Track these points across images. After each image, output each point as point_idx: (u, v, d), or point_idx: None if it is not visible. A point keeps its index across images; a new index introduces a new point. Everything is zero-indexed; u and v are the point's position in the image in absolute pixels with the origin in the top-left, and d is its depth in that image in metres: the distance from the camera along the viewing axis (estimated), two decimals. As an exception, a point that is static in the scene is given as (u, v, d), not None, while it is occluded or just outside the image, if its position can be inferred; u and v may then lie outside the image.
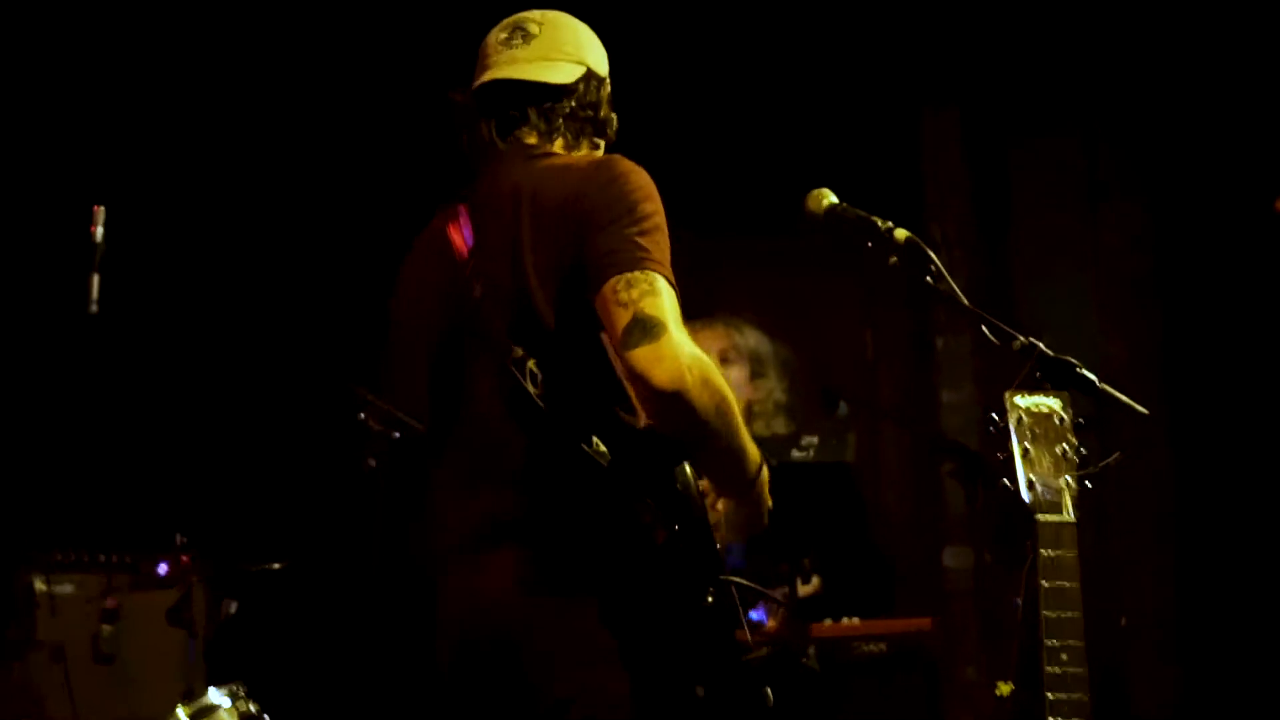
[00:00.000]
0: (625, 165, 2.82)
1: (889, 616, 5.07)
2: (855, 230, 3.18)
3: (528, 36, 3.08)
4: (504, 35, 3.10)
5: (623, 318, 2.58)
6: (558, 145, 3.04)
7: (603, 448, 2.62)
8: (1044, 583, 2.47)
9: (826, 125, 6.13)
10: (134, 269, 4.20)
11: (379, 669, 5.67)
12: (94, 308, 4.00)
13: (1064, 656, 2.42)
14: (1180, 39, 6.02)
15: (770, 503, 2.85)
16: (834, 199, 3.27)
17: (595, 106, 3.09)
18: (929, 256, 3.03)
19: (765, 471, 2.83)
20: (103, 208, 4.10)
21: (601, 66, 3.15)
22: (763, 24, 6.26)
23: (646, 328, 2.56)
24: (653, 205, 2.75)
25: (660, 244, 2.70)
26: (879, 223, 3.13)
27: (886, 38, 6.34)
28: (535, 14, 3.14)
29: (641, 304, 2.58)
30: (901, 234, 3.09)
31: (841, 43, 6.32)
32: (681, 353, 2.56)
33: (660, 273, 2.64)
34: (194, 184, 6.12)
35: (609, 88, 3.14)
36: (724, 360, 5.33)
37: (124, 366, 5.86)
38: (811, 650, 4.65)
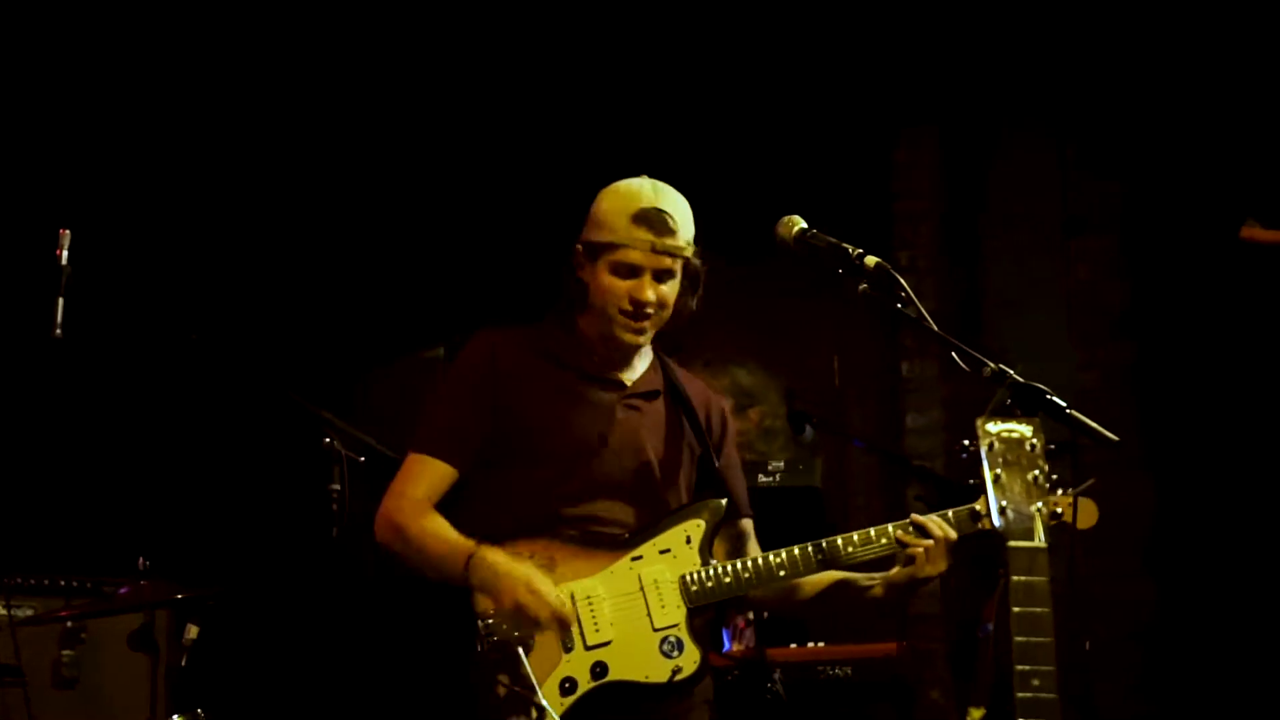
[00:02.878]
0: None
1: (855, 641, 5.06)
2: (826, 256, 3.20)
3: None
4: None
5: None
6: None
7: None
8: (1015, 608, 2.47)
9: (799, 154, 6.15)
10: (99, 293, 4.17)
11: (342, 692, 5.64)
12: (58, 331, 3.98)
13: (1035, 681, 2.42)
14: (1153, 75, 6.08)
15: (516, 589, 3.16)
16: (804, 225, 3.29)
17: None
18: (898, 282, 3.05)
19: (488, 561, 3.19)
20: (69, 231, 4.08)
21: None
22: (733, 58, 6.29)
23: None
24: (448, 380, 3.48)
25: (424, 419, 3.43)
26: (849, 249, 3.15)
27: (862, 69, 6.38)
28: None
29: None
30: (871, 260, 3.11)
31: (815, 73, 6.35)
32: (381, 510, 3.36)
33: (411, 449, 3.41)
34: (159, 208, 6.09)
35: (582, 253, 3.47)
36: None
37: (88, 390, 5.82)
38: (778, 675, 4.64)
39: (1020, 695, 2.42)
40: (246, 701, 5.05)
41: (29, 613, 4.96)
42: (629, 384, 3.46)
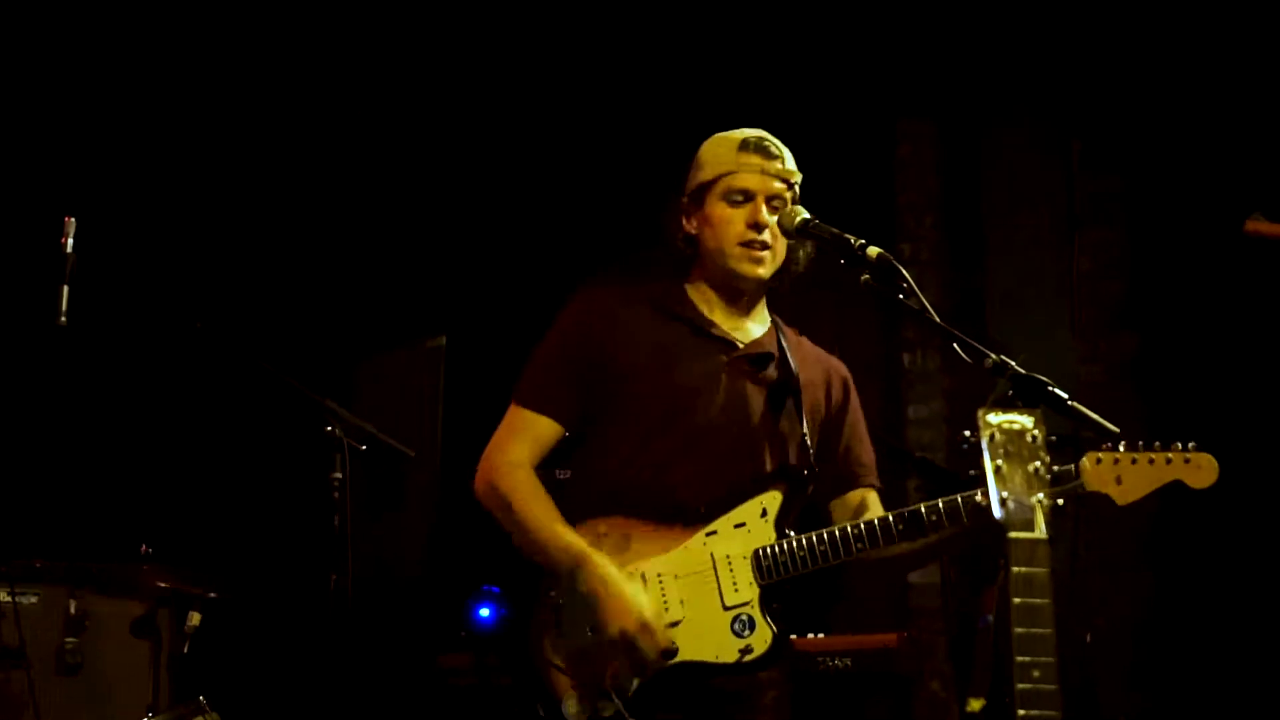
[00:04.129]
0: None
1: (855, 632, 5.07)
2: (828, 247, 3.21)
3: None
4: None
5: None
6: None
7: None
8: (1016, 599, 2.47)
9: (801, 145, 6.14)
10: (104, 280, 4.18)
11: (344, 681, 5.65)
12: (63, 319, 3.99)
13: (1035, 673, 2.42)
14: (1155, 68, 6.07)
15: (627, 620, 3.11)
16: (807, 215, 3.30)
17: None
18: (901, 273, 3.05)
19: (599, 574, 3.14)
20: (73, 219, 4.08)
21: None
22: (736, 49, 6.29)
23: None
24: (549, 335, 3.39)
25: (527, 372, 3.36)
26: (851, 240, 3.15)
27: (863, 61, 6.37)
28: None
29: None
30: (874, 251, 3.11)
31: (817, 64, 6.34)
32: (482, 465, 3.32)
33: (513, 401, 3.36)
34: (163, 196, 6.10)
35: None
36: None
37: (92, 377, 5.83)
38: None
39: (1020, 686, 2.42)
40: (249, 689, 5.06)
41: (33, 599, 4.97)
42: (742, 345, 3.42)
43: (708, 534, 3.23)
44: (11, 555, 4.92)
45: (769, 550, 3.21)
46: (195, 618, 4.61)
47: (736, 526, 3.23)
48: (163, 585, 4.66)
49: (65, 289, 3.98)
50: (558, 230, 6.30)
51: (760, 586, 3.20)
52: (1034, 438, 2.58)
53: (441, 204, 6.58)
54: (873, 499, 3.48)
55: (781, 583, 3.22)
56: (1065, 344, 6.27)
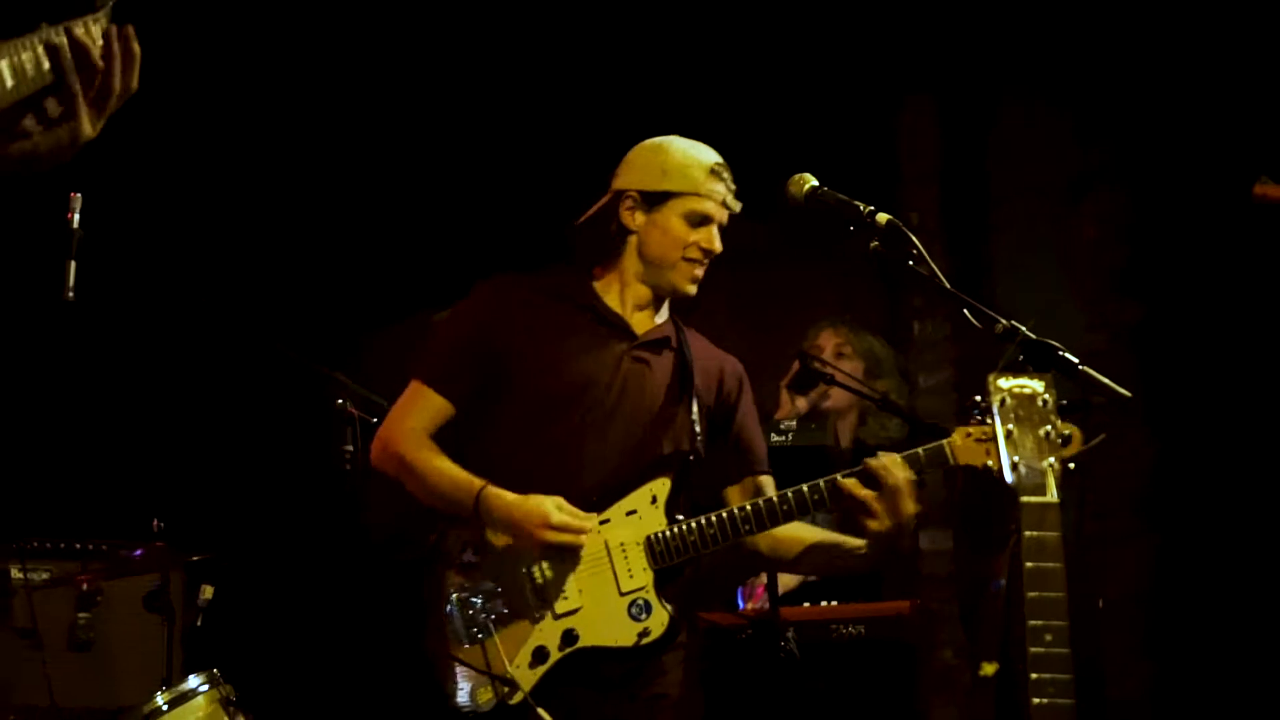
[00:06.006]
0: None
1: (867, 600, 5.06)
2: (837, 214, 3.20)
3: None
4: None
5: None
6: None
7: None
8: (1028, 564, 2.47)
9: (804, 115, 6.13)
10: (111, 255, 4.18)
11: (355, 653, 5.67)
12: (70, 294, 3.99)
13: (1048, 637, 2.42)
14: (1162, 31, 6.03)
15: (542, 517, 3.20)
16: (815, 183, 3.28)
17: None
18: (910, 240, 3.04)
19: (501, 496, 3.24)
20: (79, 194, 4.08)
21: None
22: (739, 14, 6.25)
23: None
24: (452, 316, 3.51)
25: (429, 349, 3.47)
26: (860, 206, 3.14)
27: (865, 27, 6.33)
28: None
29: None
30: (883, 218, 3.10)
31: (820, 32, 6.31)
32: (380, 434, 3.46)
33: (412, 376, 3.46)
34: (170, 170, 6.09)
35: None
36: (839, 355, 5.38)
37: (101, 353, 5.83)
38: (791, 634, 4.65)
39: (1033, 650, 2.42)
40: (261, 661, 5.07)
41: (45, 576, 4.99)
42: (639, 334, 3.49)
43: (601, 523, 3.30)
44: (22, 533, 4.94)
45: (660, 535, 3.28)
46: (208, 591, 4.63)
47: (629, 514, 3.31)
48: (174, 560, 4.68)
49: (72, 264, 3.98)
50: (561, 202, 6.28)
51: (654, 571, 3.28)
52: (1044, 402, 2.57)
53: (446, 176, 6.56)
54: (767, 483, 3.56)
55: (677, 566, 3.31)
56: (1070, 312, 6.25)
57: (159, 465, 5.82)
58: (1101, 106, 6.28)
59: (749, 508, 3.27)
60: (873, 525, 3.19)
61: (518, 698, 3.19)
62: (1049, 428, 2.53)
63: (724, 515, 3.28)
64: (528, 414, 3.38)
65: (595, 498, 3.32)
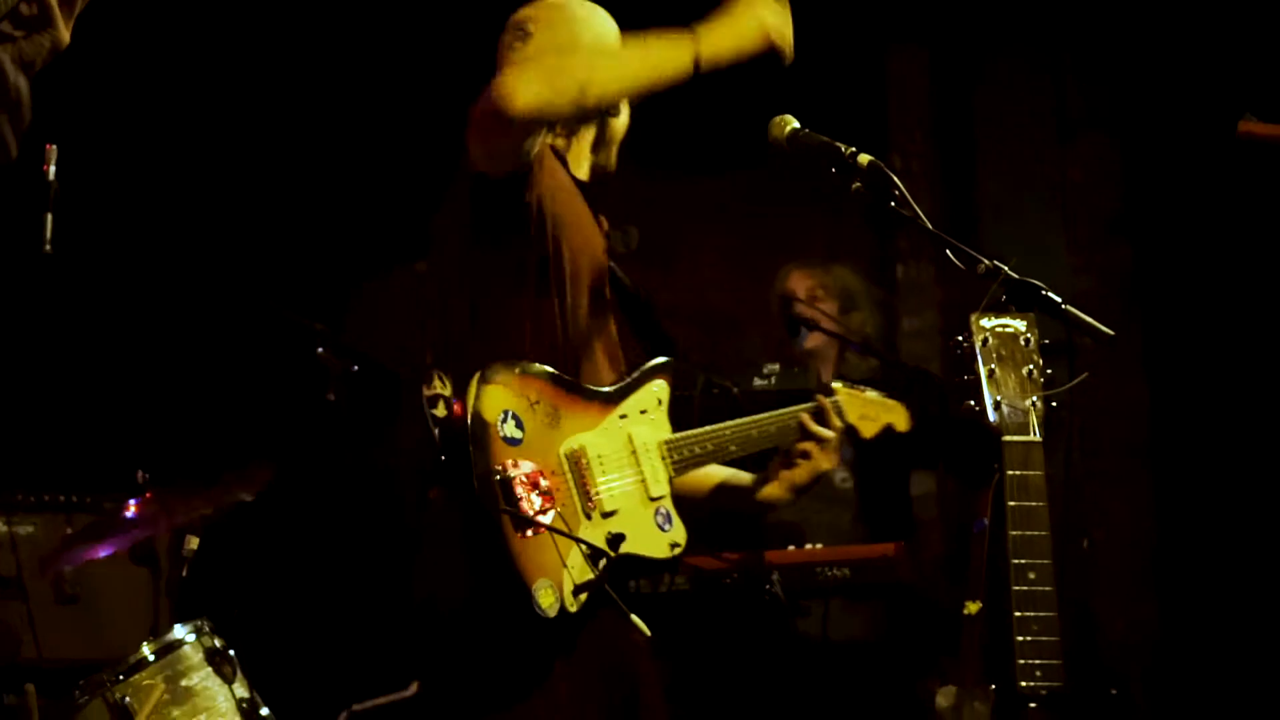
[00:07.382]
0: None
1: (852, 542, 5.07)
2: (818, 156, 3.18)
3: None
4: None
5: None
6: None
7: None
8: (1011, 502, 2.48)
9: (793, 64, 6.08)
10: (88, 207, 4.15)
11: (343, 601, 5.68)
12: (48, 247, 3.96)
13: (1031, 575, 2.44)
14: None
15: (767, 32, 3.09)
16: (796, 124, 3.26)
17: None
18: (892, 181, 3.03)
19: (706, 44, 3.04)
20: (55, 146, 4.05)
21: None
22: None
23: None
24: None
25: None
26: (842, 147, 3.12)
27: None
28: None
29: None
30: (864, 159, 3.09)
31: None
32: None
33: None
34: (146, 120, 6.04)
35: None
36: (813, 297, 5.28)
37: (80, 305, 5.80)
38: (775, 577, 4.64)
39: (1016, 588, 2.44)
40: (248, 612, 5.07)
41: (29, 529, 4.98)
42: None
43: (620, 415, 3.05)
44: (6, 486, 4.93)
45: (680, 441, 3.09)
46: (193, 542, 4.62)
47: (642, 412, 3.07)
48: (159, 511, 4.66)
49: (49, 217, 3.95)
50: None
51: (670, 479, 3.06)
52: (1027, 341, 2.58)
53: (430, 127, 6.52)
54: None
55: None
56: (1058, 256, 6.24)
57: (141, 418, 5.79)
58: (1088, 51, 6.26)
59: (768, 415, 3.19)
60: (805, 466, 3.16)
61: (580, 599, 2.79)
62: (1032, 367, 2.53)
63: (738, 425, 3.15)
64: (561, 296, 3.07)
65: (611, 389, 3.08)
